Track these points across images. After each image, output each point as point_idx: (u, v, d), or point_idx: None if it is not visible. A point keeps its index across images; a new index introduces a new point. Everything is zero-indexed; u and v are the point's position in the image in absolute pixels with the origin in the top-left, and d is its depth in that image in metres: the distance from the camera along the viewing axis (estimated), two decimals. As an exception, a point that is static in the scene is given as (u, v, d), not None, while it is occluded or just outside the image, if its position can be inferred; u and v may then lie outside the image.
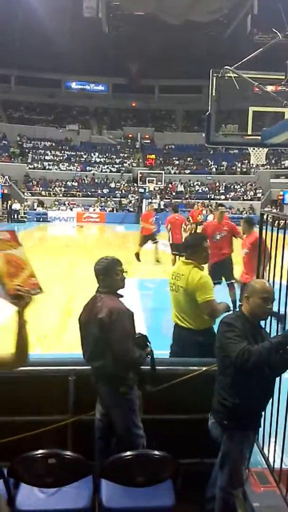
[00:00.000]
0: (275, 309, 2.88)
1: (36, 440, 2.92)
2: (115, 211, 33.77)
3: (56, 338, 6.88)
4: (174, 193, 36.43)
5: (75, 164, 38.76)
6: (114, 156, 40.25)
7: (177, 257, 10.58)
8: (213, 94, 5.50)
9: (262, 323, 2.94)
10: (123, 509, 2.59)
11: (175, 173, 38.75)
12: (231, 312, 3.66)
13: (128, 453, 2.48)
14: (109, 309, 2.97)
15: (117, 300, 3.13)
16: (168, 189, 36.77)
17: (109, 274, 3.14)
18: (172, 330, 4.03)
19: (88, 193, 36.04)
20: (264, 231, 3.62)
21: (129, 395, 3.06)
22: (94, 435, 3.21)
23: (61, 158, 39.31)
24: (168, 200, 34.03)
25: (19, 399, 3.22)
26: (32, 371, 3.32)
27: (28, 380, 3.30)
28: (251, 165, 36.15)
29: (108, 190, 36.62)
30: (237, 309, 3.90)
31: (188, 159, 40.38)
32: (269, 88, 5.53)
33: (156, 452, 2.53)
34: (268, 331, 3.03)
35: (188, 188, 37.17)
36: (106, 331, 2.96)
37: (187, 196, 35.59)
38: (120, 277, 3.16)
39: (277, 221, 3.46)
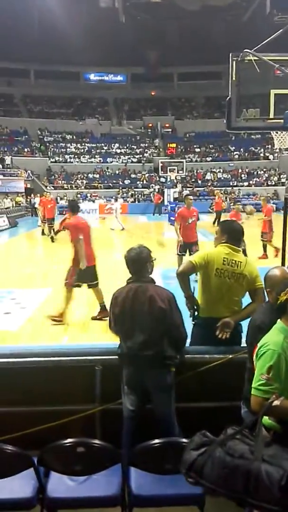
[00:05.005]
0: None
1: (65, 429, 2.96)
2: (137, 202, 33.77)
3: (82, 328, 6.94)
4: (200, 181, 36.18)
5: (96, 156, 38.85)
6: (135, 147, 40.15)
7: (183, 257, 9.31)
8: (233, 78, 5.41)
9: None
10: (152, 497, 2.61)
11: (196, 161, 38.44)
12: None
13: (156, 441, 2.49)
14: (167, 298, 3.12)
15: (162, 287, 3.27)
16: (194, 177, 36.55)
17: (147, 262, 3.26)
18: (199, 326, 3.74)
19: (110, 184, 36.11)
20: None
21: (174, 379, 3.18)
22: (122, 424, 3.23)
23: (82, 150, 39.45)
24: (190, 189, 33.84)
25: (47, 389, 3.27)
26: (59, 362, 3.38)
27: (55, 370, 3.35)
28: (274, 150, 35.54)
29: (129, 181, 36.62)
30: None
31: (210, 146, 39.99)
32: (291, 69, 5.40)
33: (184, 440, 2.54)
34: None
35: (211, 176, 36.91)
36: (166, 318, 3.10)
37: (209, 184, 35.30)
38: (152, 265, 3.31)
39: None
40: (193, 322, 3.70)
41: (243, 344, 3.64)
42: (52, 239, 15.68)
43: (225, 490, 2.09)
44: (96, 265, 7.11)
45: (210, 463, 2.12)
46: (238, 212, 12.42)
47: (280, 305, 2.48)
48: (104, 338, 6.31)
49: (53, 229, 16.67)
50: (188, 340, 3.50)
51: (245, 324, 3.72)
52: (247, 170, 37.15)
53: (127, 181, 36.65)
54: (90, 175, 37.17)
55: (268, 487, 1.99)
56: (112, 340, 3.36)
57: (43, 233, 17.45)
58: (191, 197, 11.07)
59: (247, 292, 3.69)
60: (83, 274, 6.90)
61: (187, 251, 9.48)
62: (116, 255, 12.17)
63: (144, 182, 36.34)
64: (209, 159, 38.75)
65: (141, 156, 39.14)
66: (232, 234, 3.77)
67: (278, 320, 2.49)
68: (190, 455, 2.20)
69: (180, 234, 9.63)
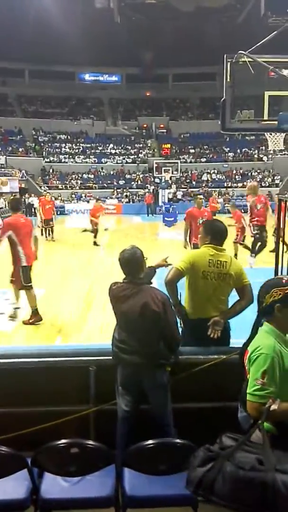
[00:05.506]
0: None
1: (59, 430, 2.95)
2: (131, 202, 33.78)
3: (76, 329, 6.94)
4: (194, 182, 36.22)
5: (91, 157, 38.83)
6: (130, 147, 40.17)
7: None
8: (228, 79, 5.42)
9: None
10: (146, 497, 2.60)
11: (191, 161, 38.50)
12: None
13: (150, 441, 2.49)
14: (161, 301, 3.11)
15: (157, 289, 3.24)
16: (188, 178, 36.60)
17: (141, 263, 3.25)
18: (189, 328, 3.76)
19: (104, 185, 36.11)
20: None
21: (169, 378, 3.19)
22: (116, 424, 3.24)
23: (77, 150, 39.42)
24: (185, 189, 33.92)
25: (41, 389, 3.26)
26: (53, 362, 3.37)
27: (49, 371, 3.34)
28: (268, 151, 35.68)
29: (124, 181, 36.63)
30: None
31: (204, 147, 40.07)
32: (285, 71, 5.43)
33: (178, 441, 2.55)
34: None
35: (207, 177, 36.97)
36: (160, 321, 3.11)
37: (203, 185, 35.38)
38: (145, 264, 3.30)
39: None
40: (181, 327, 3.70)
41: (232, 343, 3.68)
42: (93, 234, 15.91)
43: (240, 504, 2.04)
44: (32, 267, 7.12)
45: (221, 478, 2.07)
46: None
47: (266, 307, 2.48)
48: (98, 338, 6.33)
49: (49, 230, 16.60)
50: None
51: (233, 322, 3.75)
52: (241, 171, 37.24)
53: (121, 182, 36.66)
54: (85, 175, 37.13)
55: (286, 496, 1.97)
56: (105, 341, 3.36)
57: (42, 234, 17.10)
58: (201, 196, 10.67)
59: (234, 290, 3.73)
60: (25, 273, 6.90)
61: None
62: (110, 255, 12.19)
63: (139, 182, 36.35)
64: (203, 160, 38.81)
65: (135, 156, 39.14)
66: (215, 235, 3.79)
67: (265, 322, 2.48)
68: (196, 472, 2.15)
69: (192, 236, 9.06)
